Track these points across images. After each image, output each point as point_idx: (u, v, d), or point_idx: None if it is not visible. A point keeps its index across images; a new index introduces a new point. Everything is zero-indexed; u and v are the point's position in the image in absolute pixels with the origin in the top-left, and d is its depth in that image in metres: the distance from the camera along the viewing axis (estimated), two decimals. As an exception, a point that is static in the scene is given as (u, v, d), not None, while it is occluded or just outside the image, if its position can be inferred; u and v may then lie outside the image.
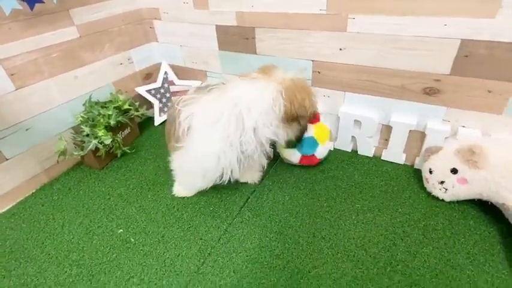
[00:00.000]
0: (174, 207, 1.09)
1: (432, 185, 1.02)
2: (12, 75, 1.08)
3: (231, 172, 0.94)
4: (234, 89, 0.89)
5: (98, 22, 1.32)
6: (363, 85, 1.13)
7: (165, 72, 1.58)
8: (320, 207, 1.04)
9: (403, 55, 1.00)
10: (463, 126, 1.03)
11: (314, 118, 1.06)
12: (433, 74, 0.99)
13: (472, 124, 1.01)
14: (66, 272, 0.90)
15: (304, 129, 1.00)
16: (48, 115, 1.22)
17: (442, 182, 0.98)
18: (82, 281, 0.87)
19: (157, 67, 1.62)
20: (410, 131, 1.11)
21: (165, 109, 1.62)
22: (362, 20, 1.01)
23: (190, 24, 1.41)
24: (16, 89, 1.10)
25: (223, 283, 0.83)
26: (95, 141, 1.22)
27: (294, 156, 1.17)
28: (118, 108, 1.36)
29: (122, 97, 1.40)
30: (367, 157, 1.25)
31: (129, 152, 1.38)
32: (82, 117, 1.27)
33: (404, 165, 1.20)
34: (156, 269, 0.89)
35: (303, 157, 1.16)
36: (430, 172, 1.02)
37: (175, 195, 1.13)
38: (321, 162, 1.23)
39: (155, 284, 0.85)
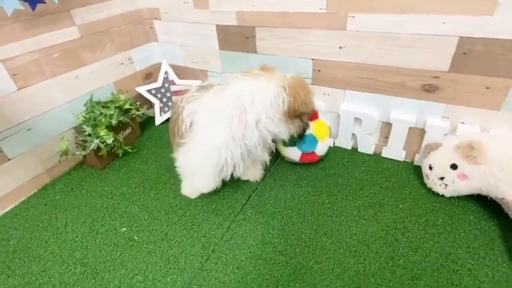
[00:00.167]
0: (176, 205, 1.10)
1: (432, 181, 1.03)
2: (14, 75, 1.09)
3: (234, 168, 0.95)
4: (236, 83, 0.90)
5: (98, 22, 1.33)
6: (363, 83, 1.14)
7: (166, 72, 1.58)
8: (322, 204, 1.05)
9: (402, 53, 1.02)
10: (462, 123, 1.04)
11: (313, 115, 1.08)
12: (432, 71, 1.00)
13: (471, 120, 1.02)
14: (70, 270, 0.90)
15: (306, 126, 1.01)
16: (49, 115, 1.22)
17: (442, 178, 1.00)
18: (87, 279, 0.87)
19: (157, 67, 1.62)
20: (410, 127, 1.12)
21: (166, 109, 1.62)
22: (361, 19, 1.02)
23: (190, 24, 1.42)
24: (18, 89, 1.11)
25: (228, 279, 0.84)
26: (97, 141, 1.22)
27: (294, 154, 1.18)
28: (119, 108, 1.37)
29: (122, 97, 1.40)
30: (368, 154, 1.27)
31: (130, 151, 1.39)
32: (84, 117, 1.27)
33: (404, 162, 1.21)
34: (160, 266, 0.89)
35: (303, 154, 1.17)
36: (430, 168, 1.03)
37: (183, 195, 1.13)
38: (322, 159, 1.24)
39: (159, 281, 0.85)
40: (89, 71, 1.34)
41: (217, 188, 1.05)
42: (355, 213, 1.01)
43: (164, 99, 1.61)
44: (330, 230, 0.96)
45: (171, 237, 0.98)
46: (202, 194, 1.12)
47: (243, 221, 1.02)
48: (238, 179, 1.14)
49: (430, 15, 0.92)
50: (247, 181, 1.17)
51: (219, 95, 0.91)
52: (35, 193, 1.22)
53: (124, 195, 1.16)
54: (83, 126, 1.25)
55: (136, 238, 0.99)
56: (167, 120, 1.61)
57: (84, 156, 1.28)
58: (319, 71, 1.21)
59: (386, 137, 1.21)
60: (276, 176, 1.19)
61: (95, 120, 1.27)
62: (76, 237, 1.01)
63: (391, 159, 1.22)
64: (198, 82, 1.57)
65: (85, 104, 1.32)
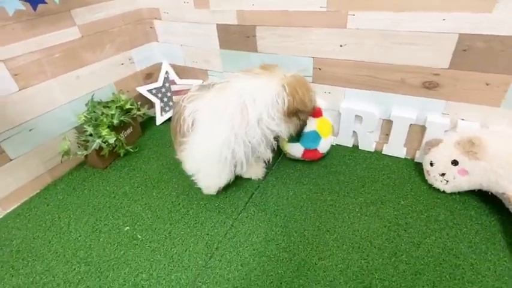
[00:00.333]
0: (179, 204, 1.10)
1: (433, 177, 1.04)
2: (15, 75, 1.09)
3: (236, 165, 0.95)
4: (238, 82, 0.91)
5: (99, 22, 1.33)
6: (363, 80, 1.15)
7: (166, 72, 1.59)
8: (324, 202, 1.06)
9: (402, 50, 1.02)
10: (462, 119, 1.05)
11: (314, 112, 1.08)
12: (432, 68, 1.01)
13: (471, 117, 1.03)
14: (74, 269, 0.91)
15: (304, 124, 1.01)
16: (51, 115, 1.22)
17: (443, 174, 1.01)
18: (91, 278, 0.88)
19: (158, 67, 1.62)
20: (410, 124, 1.13)
21: (167, 108, 1.62)
22: (362, 17, 1.03)
23: (190, 23, 1.42)
24: (20, 90, 1.11)
25: (232, 276, 0.85)
26: (98, 141, 1.22)
27: (297, 150, 1.18)
28: (120, 108, 1.37)
29: (123, 97, 1.41)
30: (368, 152, 1.27)
31: (132, 151, 1.39)
32: (85, 117, 1.27)
33: (405, 159, 1.22)
34: (164, 264, 0.90)
35: (306, 151, 1.17)
36: (431, 165, 1.04)
37: (205, 194, 1.13)
38: (323, 157, 1.24)
39: (164, 279, 0.86)
40: (90, 71, 1.34)
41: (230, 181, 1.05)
42: (357, 210, 1.01)
43: (165, 99, 1.61)
44: (332, 226, 0.97)
45: (175, 235, 0.98)
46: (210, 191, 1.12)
47: (245, 218, 1.02)
48: (241, 177, 1.15)
49: (429, 12, 0.93)
50: (250, 179, 1.17)
51: (221, 94, 0.92)
52: (37, 193, 1.22)
53: (126, 195, 1.17)
54: (85, 126, 1.25)
55: (139, 237, 0.99)
56: (168, 119, 1.61)
57: (86, 156, 1.28)
58: (319, 69, 1.21)
59: (387, 135, 1.21)
60: (278, 174, 1.20)
61: (96, 120, 1.27)
62: (79, 236, 1.01)
63: (392, 156, 1.23)
64: (199, 82, 1.57)
65: (86, 104, 1.32)
